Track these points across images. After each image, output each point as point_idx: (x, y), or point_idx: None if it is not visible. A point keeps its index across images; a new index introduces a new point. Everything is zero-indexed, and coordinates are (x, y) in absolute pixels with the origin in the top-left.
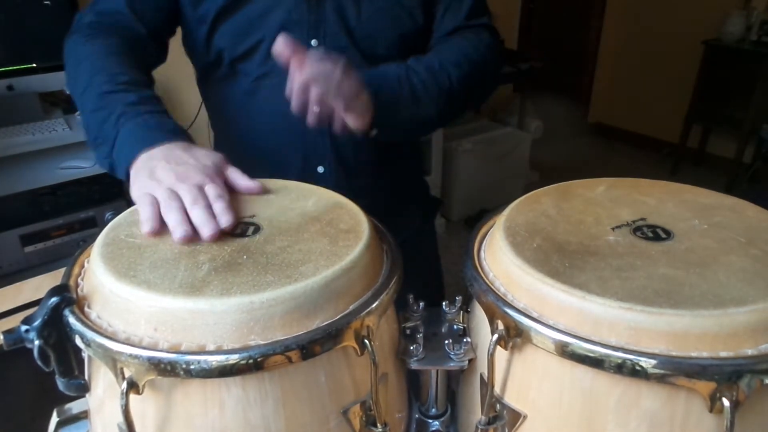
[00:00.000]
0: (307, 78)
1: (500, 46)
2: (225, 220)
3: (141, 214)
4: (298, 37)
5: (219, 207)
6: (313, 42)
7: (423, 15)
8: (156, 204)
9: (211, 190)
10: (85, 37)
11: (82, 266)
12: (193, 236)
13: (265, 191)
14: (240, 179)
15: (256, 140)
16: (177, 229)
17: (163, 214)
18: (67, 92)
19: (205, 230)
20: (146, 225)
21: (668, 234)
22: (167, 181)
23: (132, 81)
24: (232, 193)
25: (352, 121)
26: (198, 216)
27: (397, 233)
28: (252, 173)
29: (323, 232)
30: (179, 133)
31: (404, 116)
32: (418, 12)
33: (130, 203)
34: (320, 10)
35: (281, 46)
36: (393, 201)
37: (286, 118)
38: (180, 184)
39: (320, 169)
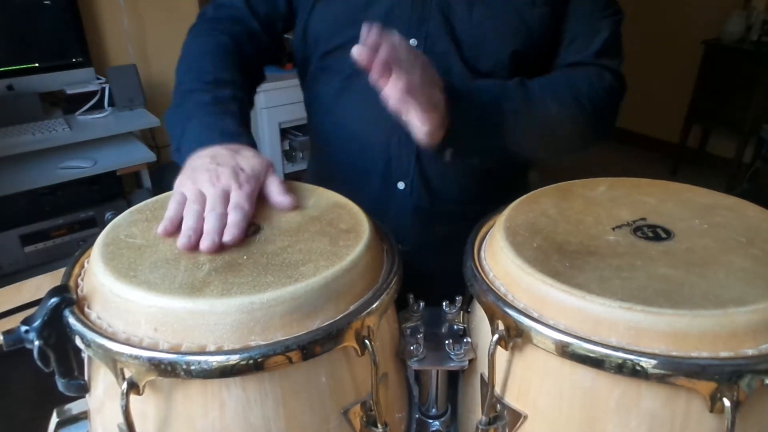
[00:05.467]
0: (388, 50)
1: (622, 94)
2: (230, 233)
3: (167, 211)
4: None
5: (233, 217)
6: (412, 41)
7: (542, 35)
8: (183, 204)
9: (236, 197)
10: (198, 32)
11: (82, 266)
12: (195, 246)
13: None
14: (274, 192)
15: (341, 146)
16: (183, 235)
17: (184, 214)
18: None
19: (205, 242)
20: (161, 226)
21: (668, 234)
22: (200, 181)
23: (214, 80)
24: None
25: (418, 118)
26: (209, 223)
27: None
28: (333, 181)
29: (323, 232)
30: (237, 136)
31: (484, 141)
32: (537, 30)
33: (130, 203)
34: (425, 6)
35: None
36: None
37: (371, 125)
38: (209, 187)
39: (401, 185)
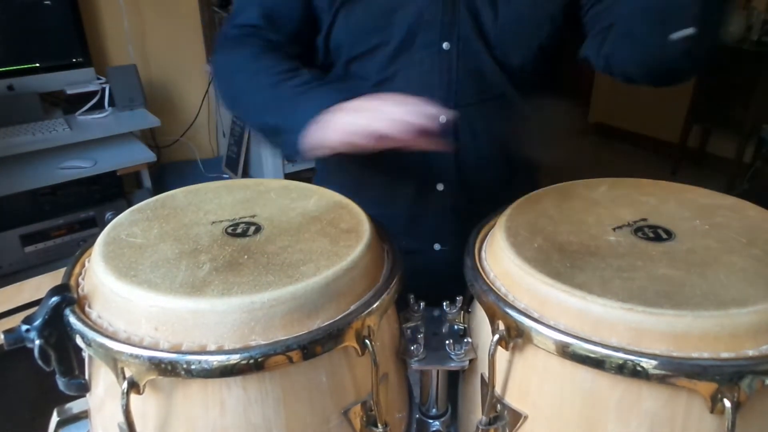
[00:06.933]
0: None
1: None
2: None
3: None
4: (429, 39)
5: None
6: (445, 45)
7: (566, 23)
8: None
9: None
10: (230, 49)
11: (83, 266)
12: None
13: (265, 190)
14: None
15: (374, 153)
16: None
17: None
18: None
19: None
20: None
21: (669, 234)
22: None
23: (287, 69)
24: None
25: None
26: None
27: None
28: (367, 187)
29: (324, 232)
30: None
31: None
32: (560, 19)
33: (130, 203)
34: (455, 10)
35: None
36: None
37: None
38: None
39: (440, 187)
